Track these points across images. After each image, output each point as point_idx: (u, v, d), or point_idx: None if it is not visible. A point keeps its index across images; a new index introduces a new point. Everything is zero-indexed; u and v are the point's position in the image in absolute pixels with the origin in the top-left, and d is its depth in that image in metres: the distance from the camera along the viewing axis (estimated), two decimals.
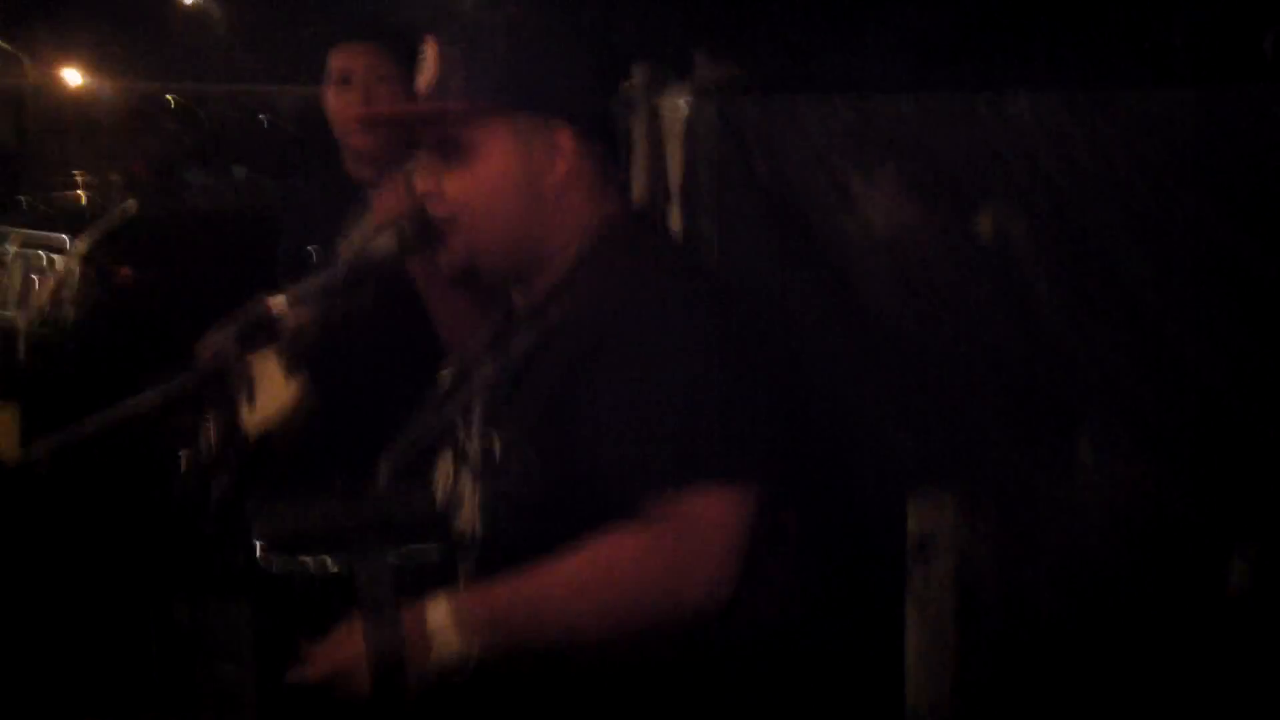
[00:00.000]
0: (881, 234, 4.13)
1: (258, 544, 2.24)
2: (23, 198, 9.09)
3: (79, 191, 8.38)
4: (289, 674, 2.21)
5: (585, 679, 2.22)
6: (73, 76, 15.65)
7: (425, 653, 2.13)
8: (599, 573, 2.14)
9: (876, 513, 3.99)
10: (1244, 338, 3.35)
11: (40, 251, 7.26)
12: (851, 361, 4.20)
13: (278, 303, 2.32)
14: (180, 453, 4.19)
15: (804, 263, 4.40)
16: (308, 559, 2.20)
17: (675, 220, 5.01)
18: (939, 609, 3.11)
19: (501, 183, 2.33)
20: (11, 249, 7.44)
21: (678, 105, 4.99)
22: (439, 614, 2.14)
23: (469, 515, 2.34)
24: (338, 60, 3.85)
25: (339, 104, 3.84)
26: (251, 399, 3.71)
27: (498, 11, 2.65)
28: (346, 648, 2.16)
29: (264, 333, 2.34)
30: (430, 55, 2.34)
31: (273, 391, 3.64)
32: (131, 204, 4.55)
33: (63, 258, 6.89)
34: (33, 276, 7.22)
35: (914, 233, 4.05)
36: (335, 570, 2.18)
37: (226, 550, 2.59)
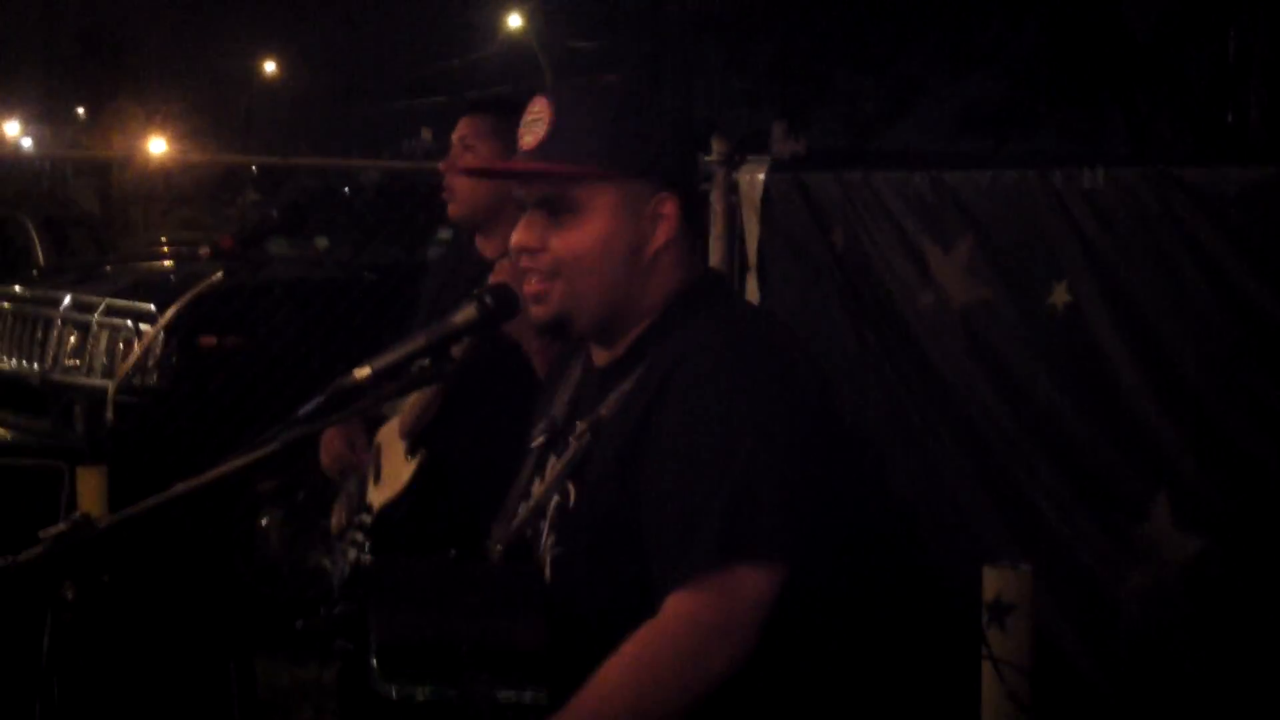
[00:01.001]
0: (958, 306, 4.17)
1: (374, 659, 2.28)
2: (109, 266, 9.22)
3: (164, 261, 8.50)
4: None
5: None
6: (158, 146, 15.87)
7: None
8: (641, 670, 2.20)
9: (953, 581, 4.01)
10: None
11: (126, 320, 7.38)
12: (929, 432, 4.23)
13: (363, 374, 2.36)
14: (265, 516, 4.27)
15: (881, 334, 4.44)
16: (422, 690, 2.25)
17: (751, 290, 5.06)
18: (1015, 672, 3.12)
19: (607, 243, 2.39)
20: (96, 317, 7.58)
21: (756, 178, 5.06)
22: None
23: (547, 569, 2.39)
24: (456, 131, 3.97)
25: (454, 165, 3.95)
26: (378, 478, 3.80)
27: (611, 77, 2.70)
28: None
29: (351, 404, 2.37)
30: (544, 113, 2.40)
31: (396, 468, 3.73)
32: (219, 275, 4.65)
33: (149, 326, 7.00)
34: (119, 344, 7.34)
35: (990, 306, 4.08)
36: (446, 701, 2.23)
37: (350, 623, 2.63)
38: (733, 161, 5.23)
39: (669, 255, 2.45)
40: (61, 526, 2.21)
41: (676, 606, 2.24)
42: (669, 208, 2.43)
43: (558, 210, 2.41)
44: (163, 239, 10.07)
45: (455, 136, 3.88)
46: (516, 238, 2.46)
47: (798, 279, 4.84)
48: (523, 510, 2.51)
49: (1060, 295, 3.86)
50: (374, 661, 2.25)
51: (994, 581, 3.24)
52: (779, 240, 4.95)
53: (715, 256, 5.32)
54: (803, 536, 2.28)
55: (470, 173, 3.51)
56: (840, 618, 2.45)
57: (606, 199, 2.41)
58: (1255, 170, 3.53)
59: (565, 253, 2.41)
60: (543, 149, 2.41)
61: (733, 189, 5.22)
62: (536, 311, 2.45)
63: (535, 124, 2.43)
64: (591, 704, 2.23)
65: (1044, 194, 3.89)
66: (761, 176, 5.03)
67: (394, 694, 2.23)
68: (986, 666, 3.17)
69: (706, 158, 5.34)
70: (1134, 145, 18.61)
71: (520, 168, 2.45)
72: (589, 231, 2.41)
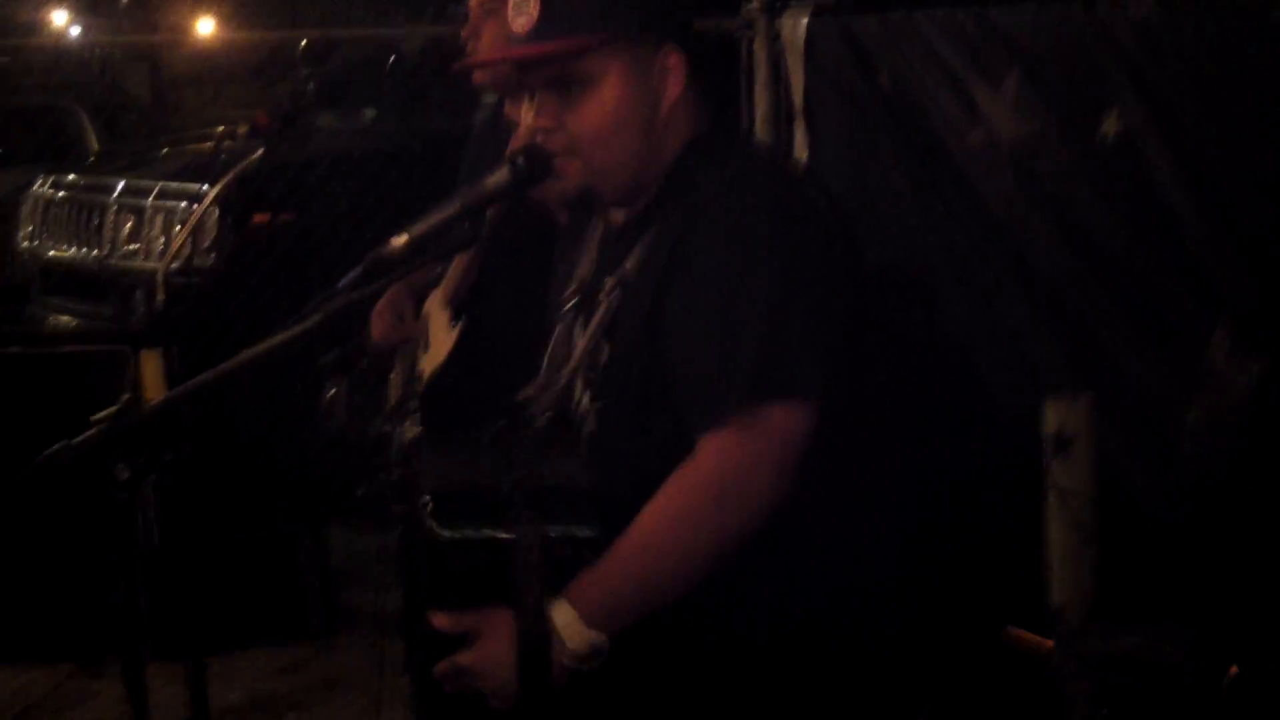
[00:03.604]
0: (1008, 143, 4.13)
1: (427, 502, 2.30)
2: (162, 150, 9.24)
3: (215, 142, 8.50)
4: (438, 666, 2.31)
5: (697, 626, 2.31)
6: (205, 27, 15.82)
7: (561, 651, 2.25)
8: (679, 512, 2.23)
9: (1014, 415, 4.00)
10: None
11: (180, 203, 7.40)
12: (984, 269, 4.21)
13: (399, 242, 2.36)
14: (331, 388, 4.29)
15: (932, 174, 4.40)
16: (473, 531, 2.28)
17: (799, 137, 5.03)
18: (1079, 501, 3.11)
19: (623, 109, 2.39)
20: (150, 201, 7.60)
21: (799, 24, 5.00)
22: (564, 615, 2.24)
23: (589, 424, 2.41)
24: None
25: (476, 31, 3.88)
26: (427, 346, 3.82)
27: None
28: (493, 642, 2.25)
29: (388, 272, 2.38)
30: None
31: (441, 338, 3.75)
32: (259, 153, 4.64)
33: (197, 206, 7.02)
34: (175, 226, 7.37)
35: (1040, 140, 4.04)
36: (498, 540, 2.25)
37: (406, 488, 2.66)
38: (774, 9, 5.17)
39: (681, 108, 2.46)
40: (111, 410, 2.24)
41: (709, 448, 2.27)
42: (674, 60, 2.44)
43: (567, 87, 2.41)
44: (214, 120, 10.04)
45: (473, 2, 3.79)
46: (531, 121, 2.46)
47: (845, 124, 4.80)
48: (564, 374, 2.53)
49: (1111, 125, 3.80)
50: (427, 508, 2.28)
51: (1056, 413, 3.23)
52: (825, 86, 4.91)
53: (761, 105, 5.28)
54: (832, 373, 2.29)
55: (474, 67, 3.44)
56: (882, 453, 2.46)
57: (613, 65, 2.40)
58: None
59: (583, 128, 2.41)
60: (539, 30, 2.40)
61: (775, 36, 5.17)
62: (561, 187, 2.45)
63: (525, 4, 2.42)
64: (633, 547, 2.26)
65: (1090, 25, 3.83)
66: (805, 22, 4.98)
67: (447, 536, 2.26)
68: (1050, 497, 3.17)
69: (748, 4, 5.29)
70: None
71: (522, 53, 2.43)
72: (603, 101, 2.41)
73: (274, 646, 5.76)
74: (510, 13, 2.43)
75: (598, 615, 2.27)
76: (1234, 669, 2.68)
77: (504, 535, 2.23)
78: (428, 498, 2.33)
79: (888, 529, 2.48)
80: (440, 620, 2.32)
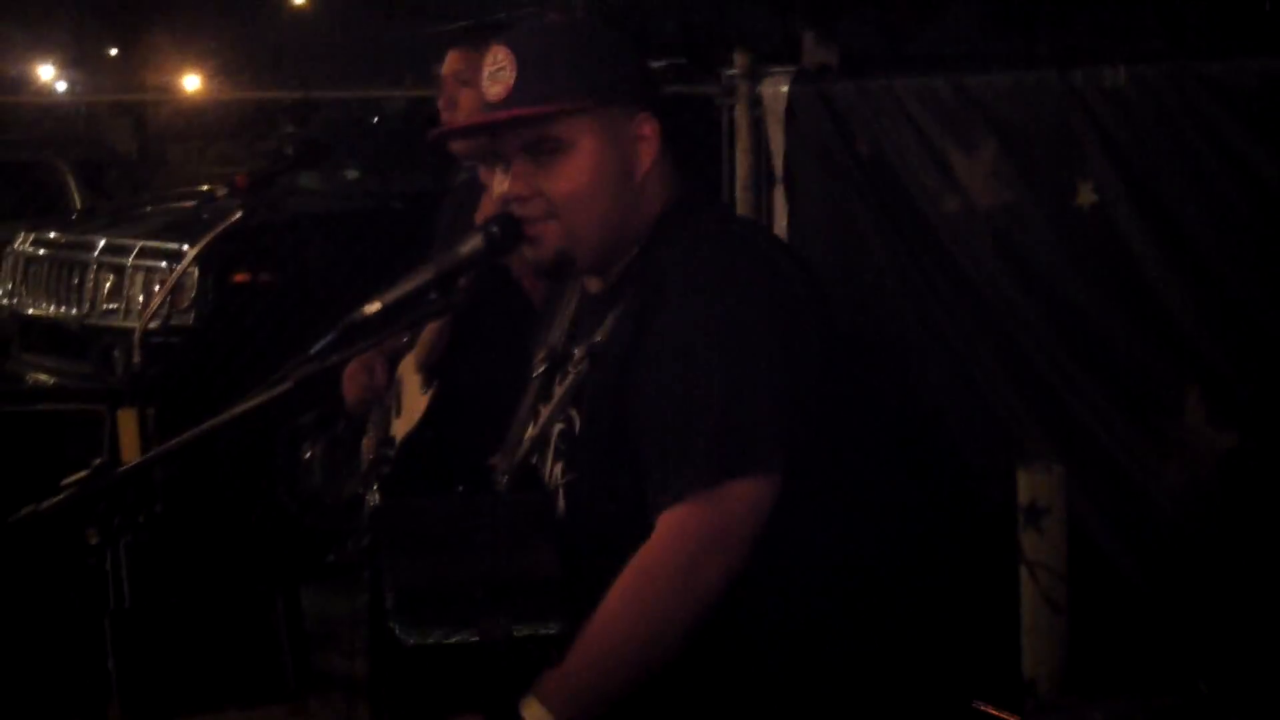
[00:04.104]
0: (984, 211, 4.14)
1: (390, 607, 2.29)
2: (145, 207, 9.23)
3: (196, 202, 8.50)
4: None
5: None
6: (191, 83, 15.87)
7: None
8: (638, 596, 2.23)
9: (987, 485, 4.01)
10: None
11: (161, 261, 7.40)
12: (959, 337, 4.22)
13: (372, 309, 2.36)
14: (308, 449, 4.28)
15: (908, 241, 4.42)
16: (440, 635, 2.27)
17: (779, 202, 5.05)
18: (1050, 574, 3.12)
19: (598, 174, 2.39)
20: (131, 260, 7.59)
21: (780, 91, 5.03)
22: (534, 715, 2.24)
23: (559, 502, 2.41)
24: (447, 66, 3.89)
25: (452, 102, 3.88)
26: (399, 410, 3.82)
27: (555, 16, 2.70)
28: None
29: (360, 339, 2.38)
30: (506, 61, 2.39)
31: (413, 402, 3.75)
32: (238, 215, 4.66)
33: (176, 266, 7.01)
34: (155, 285, 7.36)
35: (1016, 208, 4.06)
36: (465, 645, 2.24)
37: (367, 545, 2.64)
38: (756, 75, 5.20)
39: (655, 176, 2.46)
40: (81, 474, 2.24)
41: (669, 524, 2.26)
42: (648, 128, 2.45)
43: (542, 153, 2.41)
44: (199, 177, 10.05)
45: (447, 72, 3.78)
46: (506, 190, 2.46)
47: (825, 189, 4.82)
48: (527, 438, 2.53)
49: (1086, 195, 3.83)
50: (390, 609, 2.27)
51: (1028, 484, 3.24)
52: (805, 151, 4.93)
53: (742, 170, 5.30)
54: (795, 442, 2.28)
55: (450, 135, 3.44)
56: (849, 521, 2.45)
57: (589, 130, 2.41)
58: (1276, 60, 3.49)
59: (558, 192, 2.41)
60: (514, 96, 2.40)
61: (756, 102, 5.20)
62: (535, 254, 2.45)
63: (500, 73, 2.43)
64: (596, 636, 2.25)
65: (1065, 94, 3.86)
66: (785, 89, 5.00)
67: (411, 641, 2.25)
68: (1022, 570, 3.18)
69: (729, 71, 5.32)
70: (1167, 38, 18.38)
71: (500, 118, 2.43)
72: (579, 165, 2.41)
73: (246, 710, 5.72)
74: (485, 81, 2.44)
75: (570, 710, 2.26)
76: None
77: (470, 639, 2.22)
78: (389, 597, 2.31)
79: (855, 596, 2.47)
80: None
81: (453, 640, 2.25)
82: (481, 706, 2.24)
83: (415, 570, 2.31)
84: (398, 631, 2.25)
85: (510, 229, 2.43)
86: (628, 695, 2.28)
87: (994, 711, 3.07)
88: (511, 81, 2.41)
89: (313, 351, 2.34)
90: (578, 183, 2.41)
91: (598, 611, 2.25)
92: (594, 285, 2.53)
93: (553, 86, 2.39)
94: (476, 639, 2.20)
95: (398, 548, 2.35)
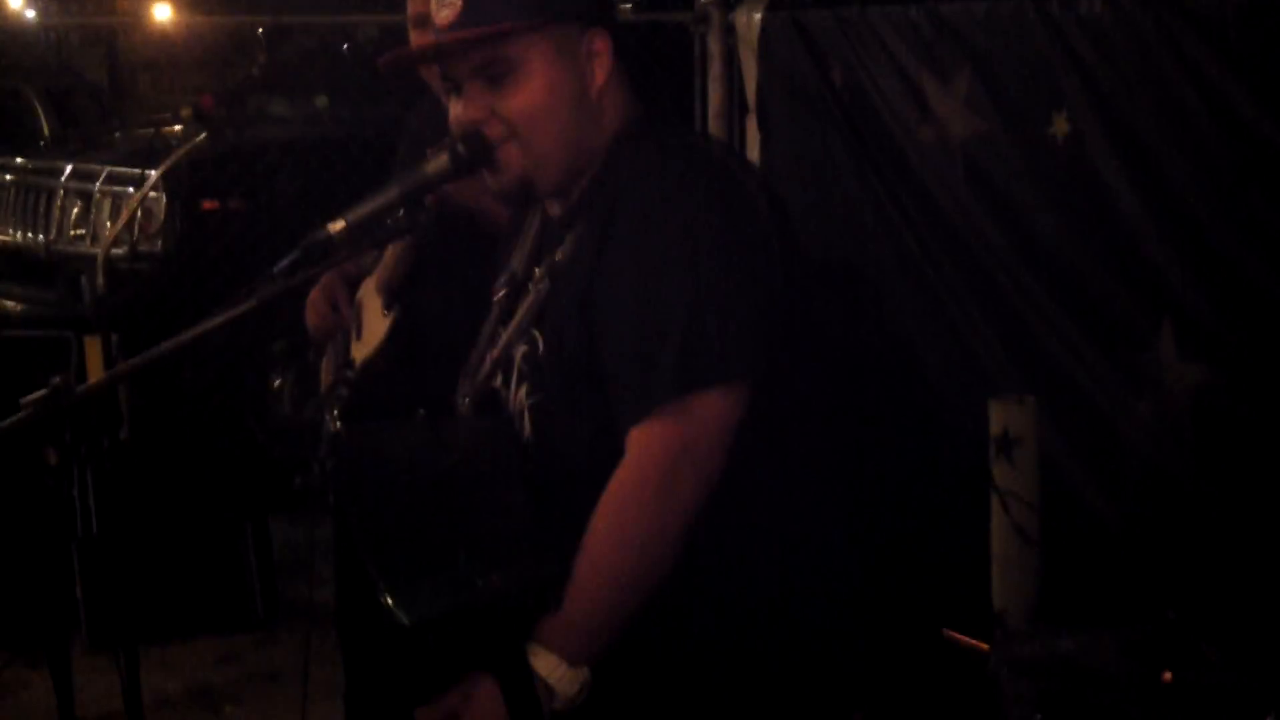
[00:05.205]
0: (958, 141, 4.12)
1: (385, 601, 2.27)
2: (113, 134, 9.15)
3: (168, 128, 8.43)
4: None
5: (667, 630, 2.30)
6: (162, 11, 15.70)
7: (551, 699, 2.24)
8: (621, 521, 2.23)
9: (959, 415, 4.00)
10: None
11: (128, 188, 7.32)
12: (932, 267, 4.20)
13: (336, 228, 2.33)
14: (277, 377, 4.26)
15: (882, 171, 4.40)
16: (437, 606, 2.24)
17: (751, 132, 5.01)
18: (1022, 504, 3.11)
19: (554, 94, 2.37)
20: (98, 186, 7.52)
21: (753, 19, 4.98)
22: (545, 663, 2.23)
23: (524, 426, 2.39)
24: (412, 4, 3.85)
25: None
26: (359, 334, 3.79)
27: None
28: (481, 713, 2.24)
29: (324, 258, 2.35)
30: None
31: (374, 325, 3.72)
32: (203, 137, 4.59)
33: (140, 191, 6.95)
34: (123, 212, 7.29)
35: (990, 138, 4.03)
36: (463, 611, 2.23)
37: (329, 472, 2.63)
38: (729, 3, 5.16)
39: (610, 93, 2.45)
40: (40, 393, 2.21)
41: (640, 441, 2.26)
42: (601, 44, 2.43)
43: (496, 75, 2.39)
44: (170, 105, 9.95)
45: (411, 10, 3.72)
46: (460, 115, 2.43)
47: (798, 119, 4.79)
48: (488, 361, 2.51)
49: (1060, 126, 3.81)
50: (381, 589, 2.25)
51: (1000, 414, 3.22)
52: (778, 81, 4.89)
53: (714, 99, 5.27)
54: (761, 357, 2.27)
55: (400, 62, 3.38)
56: (820, 448, 2.45)
57: (541, 49, 2.39)
58: None
59: (515, 111, 2.39)
60: (464, 19, 2.38)
61: (729, 31, 5.16)
62: (497, 178, 2.43)
63: None
64: (590, 569, 2.26)
65: (1041, 23, 3.82)
66: (759, 17, 4.96)
67: (409, 620, 2.23)
68: (994, 500, 3.17)
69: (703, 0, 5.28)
70: None
71: (450, 40, 2.41)
72: (535, 85, 2.40)
73: (215, 637, 5.73)
74: (434, 5, 2.42)
75: (578, 651, 2.26)
76: (1168, 674, 2.67)
77: (467, 604, 2.21)
78: (381, 593, 2.28)
79: (826, 524, 2.46)
80: (424, 714, 2.30)
81: (451, 610, 2.24)
82: (489, 665, 2.24)
83: (393, 540, 2.29)
84: (396, 613, 2.23)
85: (476, 146, 2.40)
86: (631, 622, 2.27)
87: (964, 639, 3.07)
88: (460, 4, 2.38)
89: (275, 270, 2.32)
90: (533, 101, 2.40)
91: (584, 545, 2.25)
92: (555, 209, 2.51)
93: (502, 6, 2.36)
94: (473, 603, 2.19)
95: (364, 496, 2.34)
